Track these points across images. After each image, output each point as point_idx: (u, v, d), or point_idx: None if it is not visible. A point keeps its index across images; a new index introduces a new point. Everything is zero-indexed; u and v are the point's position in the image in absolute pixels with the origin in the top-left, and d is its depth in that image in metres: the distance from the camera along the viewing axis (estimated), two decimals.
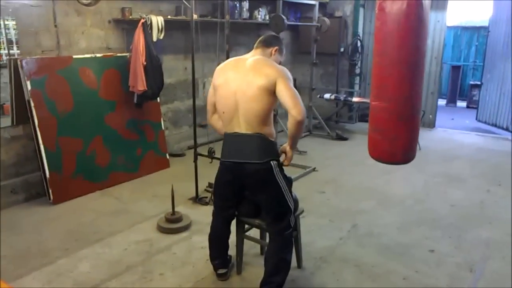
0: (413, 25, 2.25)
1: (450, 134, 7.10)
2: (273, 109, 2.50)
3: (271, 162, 2.48)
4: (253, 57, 2.58)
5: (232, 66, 2.58)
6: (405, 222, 3.79)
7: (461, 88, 10.31)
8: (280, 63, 2.64)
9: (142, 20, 4.39)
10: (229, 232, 2.84)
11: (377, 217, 3.89)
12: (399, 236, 3.54)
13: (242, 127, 2.49)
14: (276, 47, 2.65)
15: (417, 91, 2.37)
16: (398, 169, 4.69)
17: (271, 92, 2.41)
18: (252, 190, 2.61)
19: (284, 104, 2.37)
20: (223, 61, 3.42)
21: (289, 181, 2.63)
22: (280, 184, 2.52)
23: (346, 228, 3.65)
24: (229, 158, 2.56)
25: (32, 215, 3.84)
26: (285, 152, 2.61)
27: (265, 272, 2.60)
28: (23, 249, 3.26)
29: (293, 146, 2.58)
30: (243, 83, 2.45)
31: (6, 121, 4.03)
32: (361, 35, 7.65)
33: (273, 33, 2.80)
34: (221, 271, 2.86)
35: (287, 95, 2.36)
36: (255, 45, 2.67)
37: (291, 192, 2.61)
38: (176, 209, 3.60)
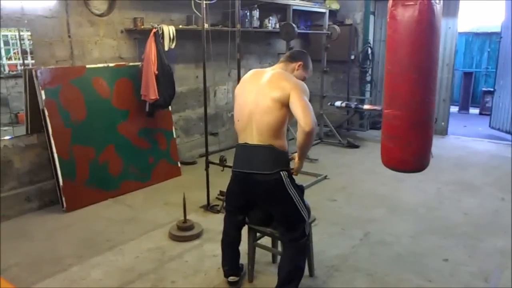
0: (425, 31, 2.25)
1: (462, 141, 7.02)
2: (286, 122, 2.50)
3: (281, 172, 2.47)
4: (273, 70, 2.61)
5: (251, 77, 2.63)
6: (418, 230, 3.75)
7: (473, 95, 10.21)
8: (304, 79, 2.67)
9: (154, 30, 4.44)
10: (239, 238, 2.84)
11: (390, 225, 3.86)
12: (412, 244, 3.50)
13: (254, 138, 2.50)
14: (300, 62, 2.66)
15: (430, 98, 2.36)
16: (410, 176, 4.66)
17: (285, 105, 2.42)
18: (263, 201, 2.61)
19: (295, 115, 2.38)
20: (234, 69, 3.45)
21: (300, 190, 2.62)
22: (292, 195, 2.51)
23: (358, 236, 3.63)
24: (239, 168, 2.58)
25: (45, 222, 3.88)
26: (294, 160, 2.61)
27: (279, 279, 2.60)
28: (36, 256, 3.29)
29: (301, 157, 2.55)
30: (258, 94, 2.48)
31: (21, 130, 4.10)
32: (371, 42, 7.64)
33: (302, 50, 2.83)
34: (232, 278, 2.85)
35: (298, 106, 2.36)
36: (280, 59, 2.72)
37: (303, 201, 2.60)
38: (187, 217, 3.61)
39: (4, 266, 3.11)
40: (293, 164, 2.61)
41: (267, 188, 2.50)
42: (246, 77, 2.68)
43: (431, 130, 2.48)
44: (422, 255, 3.33)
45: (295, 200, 2.52)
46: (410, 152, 2.43)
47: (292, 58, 2.68)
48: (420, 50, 2.27)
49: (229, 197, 2.79)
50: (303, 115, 2.33)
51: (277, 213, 2.61)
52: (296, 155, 2.58)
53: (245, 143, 2.55)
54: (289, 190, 2.50)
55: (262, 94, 2.47)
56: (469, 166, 5.60)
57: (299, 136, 2.38)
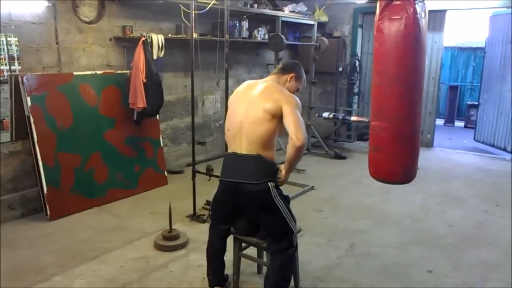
0: (411, 45, 2.29)
1: (448, 153, 7.11)
2: (276, 134, 2.51)
3: (269, 183, 2.47)
4: (266, 82, 2.63)
5: (245, 88, 2.65)
6: (403, 241, 3.77)
7: (458, 108, 10.37)
8: (297, 90, 2.70)
9: (143, 38, 4.45)
10: (224, 248, 2.82)
11: (375, 236, 3.87)
12: (397, 256, 3.52)
13: (243, 148, 2.51)
14: (292, 74, 2.67)
15: (416, 110, 2.40)
16: (396, 188, 4.69)
17: (276, 117, 2.44)
18: (250, 211, 2.60)
19: (287, 128, 2.40)
20: (223, 79, 3.47)
21: (287, 201, 2.62)
22: (279, 206, 2.50)
23: (343, 247, 3.64)
24: (227, 178, 2.57)
25: (28, 231, 3.82)
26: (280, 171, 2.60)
27: None
28: (18, 265, 3.23)
29: (289, 170, 2.56)
30: (250, 105, 2.50)
31: (5, 136, 4.04)
32: (359, 54, 7.73)
33: (295, 61, 2.84)
34: None
35: (290, 120, 2.38)
36: (273, 71, 2.74)
37: (291, 211, 2.60)
38: (173, 227, 3.58)
39: None
40: (280, 175, 2.60)
41: (255, 198, 2.49)
42: (240, 88, 2.70)
43: (417, 142, 2.51)
44: (407, 266, 3.35)
45: (282, 211, 2.52)
46: (397, 164, 2.45)
47: (284, 70, 2.69)
48: (406, 63, 2.31)
49: (215, 206, 2.77)
50: (295, 129, 2.35)
51: (264, 223, 2.60)
52: (283, 166, 2.58)
53: (234, 152, 2.55)
54: (276, 201, 2.49)
55: (254, 105, 2.48)
56: (454, 178, 5.67)
57: (289, 150, 2.40)
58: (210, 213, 2.98)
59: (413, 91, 2.36)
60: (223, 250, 2.82)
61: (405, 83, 2.33)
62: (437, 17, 6.90)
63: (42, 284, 2.99)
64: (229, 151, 2.61)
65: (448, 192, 5.09)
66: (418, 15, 2.25)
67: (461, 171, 6.02)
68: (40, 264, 3.25)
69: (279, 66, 2.77)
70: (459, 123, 10.03)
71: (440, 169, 6.11)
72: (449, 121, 10.02)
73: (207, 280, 2.86)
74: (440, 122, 9.52)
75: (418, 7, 2.26)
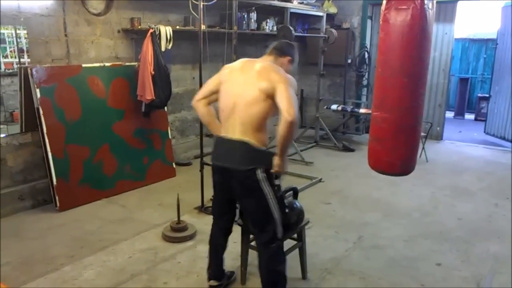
0: (417, 36, 2.26)
1: (457, 146, 7.05)
2: (269, 115, 2.44)
3: (257, 169, 2.41)
4: (263, 62, 2.55)
5: (240, 67, 2.57)
6: (411, 234, 3.75)
7: (469, 100, 10.26)
8: (289, 71, 2.59)
9: (151, 30, 4.44)
10: (225, 245, 2.82)
11: (383, 229, 3.86)
12: (405, 248, 3.51)
13: (235, 131, 2.45)
14: (289, 58, 2.62)
15: (418, 102, 2.38)
16: (405, 181, 4.68)
17: (270, 97, 2.36)
18: (238, 195, 2.56)
19: (278, 105, 2.30)
20: None
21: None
22: (265, 192, 2.43)
23: (352, 239, 3.63)
24: (217, 161, 2.56)
25: (38, 221, 3.86)
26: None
27: (262, 286, 2.58)
28: (28, 255, 3.27)
29: (282, 152, 2.39)
30: (245, 85, 2.44)
31: (15, 128, 4.08)
32: (368, 46, 7.67)
33: (288, 41, 2.77)
34: (212, 283, 2.81)
35: (283, 97, 2.30)
36: (269, 50, 2.63)
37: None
38: (181, 218, 3.60)
39: None
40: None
41: (241, 181, 2.45)
42: (235, 66, 2.60)
43: (418, 134, 2.49)
44: (415, 259, 3.33)
45: (267, 198, 2.44)
46: (397, 155, 2.43)
47: (282, 52, 2.60)
48: (411, 54, 2.28)
49: (214, 195, 2.74)
50: (288, 105, 2.26)
51: (247, 209, 2.56)
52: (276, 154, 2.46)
53: (226, 136, 2.50)
54: (262, 186, 2.42)
55: (250, 85, 2.41)
56: (464, 171, 5.62)
57: (281, 127, 2.27)
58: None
59: (417, 83, 2.33)
60: (223, 247, 2.82)
61: (409, 75, 2.30)
62: (448, 8, 6.80)
63: (52, 274, 3.02)
64: (222, 133, 2.54)
65: (457, 185, 5.05)
66: (425, 6, 2.21)
67: (471, 164, 5.97)
68: (50, 255, 3.28)
69: (276, 46, 2.62)
70: (469, 116, 9.93)
71: (450, 162, 6.06)
72: (459, 113, 9.93)
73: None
74: (450, 114, 9.44)
75: None
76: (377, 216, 4.13)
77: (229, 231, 2.80)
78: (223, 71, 2.62)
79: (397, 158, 2.42)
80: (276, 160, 2.41)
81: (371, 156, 2.52)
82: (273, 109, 2.40)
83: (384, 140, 2.41)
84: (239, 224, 2.80)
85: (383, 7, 2.33)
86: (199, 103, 2.66)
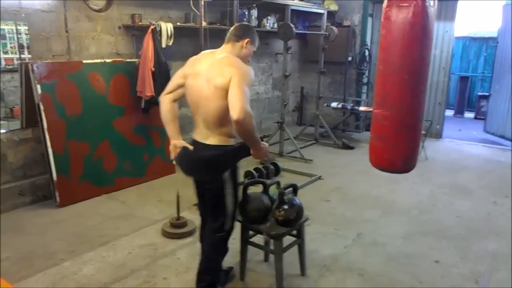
0: (418, 34, 2.26)
1: (457, 144, 7.06)
2: None
3: (222, 160, 2.45)
4: (221, 54, 2.47)
5: (202, 60, 2.51)
6: (410, 232, 3.77)
7: (469, 99, 10.25)
8: (252, 53, 2.56)
9: (152, 27, 4.44)
10: None
11: (382, 226, 3.87)
12: (404, 246, 3.52)
13: (201, 130, 2.47)
14: (247, 39, 2.49)
15: (419, 100, 2.38)
16: (404, 178, 4.69)
17: (228, 92, 2.28)
18: (201, 181, 2.62)
19: (228, 102, 2.24)
20: None
21: (237, 185, 2.59)
22: (225, 186, 2.48)
23: (351, 236, 3.64)
24: (182, 164, 2.62)
25: (38, 217, 3.88)
26: None
27: (200, 269, 2.67)
28: (28, 250, 3.29)
29: (250, 145, 2.40)
30: (204, 81, 2.39)
31: (16, 124, 4.09)
32: (369, 44, 7.67)
33: (245, 23, 2.69)
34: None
35: (232, 93, 2.22)
36: (227, 37, 2.51)
37: (235, 197, 2.57)
38: (181, 215, 3.61)
39: None
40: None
41: (207, 168, 2.50)
42: (198, 58, 2.56)
43: (419, 131, 2.49)
44: (414, 256, 3.35)
45: (225, 192, 2.49)
46: (398, 153, 2.44)
47: (238, 37, 2.48)
48: (412, 51, 2.28)
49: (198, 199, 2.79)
50: (234, 102, 2.19)
51: (206, 196, 2.62)
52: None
53: (194, 139, 2.53)
54: (223, 176, 2.46)
55: (206, 80, 2.36)
56: (463, 170, 5.63)
57: (233, 126, 2.25)
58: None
59: (418, 80, 2.34)
60: None
61: (410, 72, 2.30)
62: (449, 6, 6.80)
63: (52, 269, 3.04)
64: (193, 132, 2.55)
65: (456, 183, 5.06)
66: (427, 4, 2.21)
67: (470, 163, 5.98)
68: (50, 250, 3.30)
69: (232, 32, 2.51)
70: (469, 114, 9.94)
71: (449, 160, 6.07)
72: (459, 112, 9.93)
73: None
74: (449, 113, 9.44)
75: None
76: (376, 214, 4.14)
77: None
78: (187, 64, 2.57)
79: (398, 156, 2.43)
80: (253, 152, 2.44)
81: (373, 153, 2.53)
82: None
83: (385, 138, 2.41)
84: (238, 221, 2.81)
85: (384, 4, 2.33)
86: (164, 98, 2.61)
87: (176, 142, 2.60)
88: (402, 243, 3.56)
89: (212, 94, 2.33)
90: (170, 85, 2.62)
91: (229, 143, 2.46)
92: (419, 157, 2.71)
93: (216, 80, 2.31)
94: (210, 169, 2.48)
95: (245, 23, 2.71)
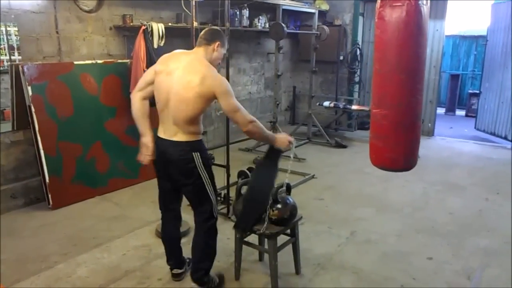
0: (413, 33, 2.28)
1: (449, 142, 7.12)
2: (202, 113, 2.56)
3: (193, 153, 2.54)
4: (196, 58, 2.55)
5: (175, 59, 2.57)
6: (403, 229, 3.80)
7: (460, 96, 10.35)
8: (222, 56, 2.71)
9: (143, 27, 4.42)
10: (179, 233, 2.98)
11: (376, 224, 3.90)
12: (397, 243, 3.55)
13: (170, 127, 2.54)
14: (218, 42, 2.61)
15: (417, 98, 2.40)
16: (397, 176, 4.72)
17: (207, 99, 2.47)
18: (177, 180, 2.65)
19: (232, 120, 2.55)
20: (223, 68, 3.40)
21: (212, 175, 2.69)
22: (201, 174, 2.58)
23: (344, 235, 3.66)
24: (158, 159, 2.66)
25: (31, 220, 3.85)
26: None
27: (193, 259, 2.79)
28: (21, 253, 3.26)
29: (268, 141, 2.71)
30: (180, 82, 2.45)
31: (7, 126, 4.05)
32: (360, 43, 7.71)
33: (214, 27, 2.77)
34: (176, 271, 2.93)
35: (228, 110, 2.49)
36: (198, 41, 2.63)
37: (214, 184, 2.70)
38: None
39: None
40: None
41: (180, 167, 2.57)
42: (169, 57, 2.61)
43: (418, 129, 2.52)
44: (407, 253, 3.37)
45: (203, 179, 2.60)
46: (398, 151, 2.46)
47: (209, 41, 2.60)
48: (408, 50, 2.30)
49: (159, 193, 2.83)
50: (235, 119, 2.51)
51: (187, 191, 2.69)
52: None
53: (162, 138, 2.59)
54: (199, 169, 2.56)
55: (184, 84, 2.44)
56: (455, 167, 5.68)
57: (249, 135, 2.61)
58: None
59: (414, 79, 2.35)
60: (177, 236, 2.94)
61: (406, 71, 2.32)
62: (439, 5, 6.86)
63: (46, 272, 3.02)
64: (160, 129, 2.61)
65: (448, 181, 5.10)
66: (420, 2, 2.23)
67: (462, 160, 6.03)
68: (43, 253, 3.28)
69: (202, 35, 2.63)
70: (460, 112, 10.02)
71: (441, 157, 6.12)
72: (450, 110, 10.00)
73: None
74: (441, 111, 9.50)
75: None
76: (369, 212, 4.17)
77: (179, 219, 2.96)
78: (158, 61, 2.63)
79: (399, 154, 2.45)
80: (275, 145, 2.71)
81: (373, 153, 2.54)
82: (206, 107, 2.53)
83: (385, 137, 2.43)
84: (232, 220, 2.82)
85: (378, 4, 2.34)
86: (135, 96, 2.65)
87: (147, 140, 2.65)
88: (395, 241, 3.58)
89: (189, 99, 2.43)
90: (141, 83, 2.66)
91: (197, 139, 2.59)
92: None
93: (197, 87, 2.42)
94: (188, 168, 2.56)
95: (214, 27, 2.78)
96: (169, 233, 2.91)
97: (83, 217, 3.91)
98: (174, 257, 2.93)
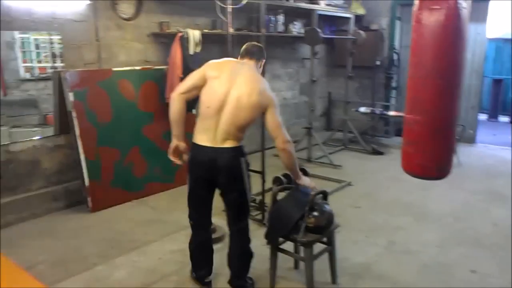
0: (451, 37, 2.19)
1: (491, 149, 6.84)
2: (254, 122, 2.60)
3: (241, 158, 2.58)
4: (254, 69, 2.65)
5: (229, 67, 2.58)
6: (444, 240, 3.66)
7: (503, 102, 9.94)
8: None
9: (179, 34, 4.49)
10: (211, 239, 3.00)
11: (415, 234, 3.77)
12: (438, 254, 3.42)
13: (218, 135, 2.52)
14: (264, 60, 2.77)
15: (453, 104, 2.31)
16: (436, 185, 4.54)
17: (262, 109, 2.53)
18: (223, 184, 2.64)
19: (269, 132, 2.55)
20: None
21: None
22: (244, 180, 2.61)
23: (382, 244, 3.56)
24: (201, 167, 2.64)
25: (71, 221, 3.96)
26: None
27: (233, 268, 2.80)
28: (61, 254, 3.35)
29: (295, 176, 2.71)
30: (243, 89, 2.48)
31: (49, 131, 4.20)
32: (397, 48, 7.54)
33: (258, 44, 2.79)
34: (208, 278, 2.89)
35: (273, 125, 2.53)
36: (245, 54, 2.70)
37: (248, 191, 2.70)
38: None
39: (31, 263, 3.18)
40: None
41: (231, 171, 2.57)
42: (223, 64, 2.61)
43: (453, 137, 2.41)
44: (449, 265, 3.24)
45: (244, 185, 2.63)
46: (430, 159, 2.36)
47: (260, 56, 2.72)
48: (445, 55, 2.21)
49: (192, 196, 2.83)
50: (277, 133, 2.52)
51: (233, 197, 2.66)
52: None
53: (208, 145, 2.55)
54: (243, 174, 2.60)
55: (248, 91, 2.48)
56: (498, 175, 5.44)
57: (280, 154, 2.58)
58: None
59: (451, 85, 2.26)
60: (211, 245, 2.95)
61: (443, 76, 2.23)
62: (480, 7, 6.61)
63: (85, 273, 3.09)
64: (202, 136, 2.57)
65: (492, 190, 4.89)
66: (459, 5, 2.15)
67: (505, 168, 5.77)
68: (83, 254, 3.36)
69: (251, 51, 2.70)
70: (504, 118, 9.62)
71: (484, 165, 5.88)
72: (493, 116, 9.63)
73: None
74: (483, 117, 9.17)
75: None
76: (408, 221, 4.04)
77: (210, 225, 2.93)
78: (208, 67, 2.61)
79: (431, 162, 2.36)
80: (301, 181, 2.73)
81: (405, 159, 2.47)
82: (258, 117, 2.57)
83: (417, 143, 2.35)
84: (265, 224, 2.80)
85: (415, 7, 2.28)
86: (178, 97, 2.61)
87: (180, 144, 2.71)
88: (436, 252, 3.45)
89: (250, 106, 2.48)
90: (187, 85, 2.61)
91: (242, 144, 2.63)
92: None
93: (258, 97, 2.49)
94: (237, 173, 2.58)
95: (258, 44, 2.81)
96: (204, 241, 2.88)
97: (121, 220, 3.99)
98: (207, 265, 2.90)
